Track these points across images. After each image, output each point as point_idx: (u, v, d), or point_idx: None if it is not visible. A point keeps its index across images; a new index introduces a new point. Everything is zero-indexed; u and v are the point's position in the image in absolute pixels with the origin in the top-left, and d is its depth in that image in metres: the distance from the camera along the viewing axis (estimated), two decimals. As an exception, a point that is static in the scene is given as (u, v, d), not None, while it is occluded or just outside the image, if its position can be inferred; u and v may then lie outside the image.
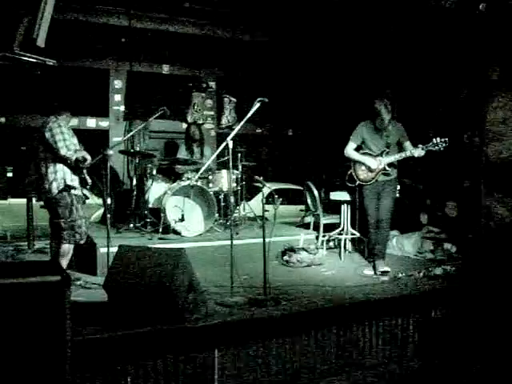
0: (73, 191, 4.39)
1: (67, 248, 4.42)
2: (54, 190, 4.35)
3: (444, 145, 4.76)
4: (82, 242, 4.50)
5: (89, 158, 4.44)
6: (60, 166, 4.36)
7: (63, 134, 4.31)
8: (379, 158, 5.03)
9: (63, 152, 4.27)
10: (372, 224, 5.15)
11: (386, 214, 5.06)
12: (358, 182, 5.21)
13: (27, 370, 2.43)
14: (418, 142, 4.96)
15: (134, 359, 3.10)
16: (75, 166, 4.37)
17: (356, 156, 5.16)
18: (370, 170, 5.07)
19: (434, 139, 4.78)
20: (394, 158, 5.00)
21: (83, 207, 4.56)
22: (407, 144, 5.05)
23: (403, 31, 6.42)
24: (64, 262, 4.37)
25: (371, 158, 5.07)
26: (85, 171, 4.47)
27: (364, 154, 5.14)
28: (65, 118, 4.51)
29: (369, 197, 5.13)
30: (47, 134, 4.33)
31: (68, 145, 4.30)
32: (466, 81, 6.03)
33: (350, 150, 5.18)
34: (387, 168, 5.01)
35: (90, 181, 4.53)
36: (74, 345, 2.67)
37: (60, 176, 4.36)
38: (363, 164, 5.11)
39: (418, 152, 4.84)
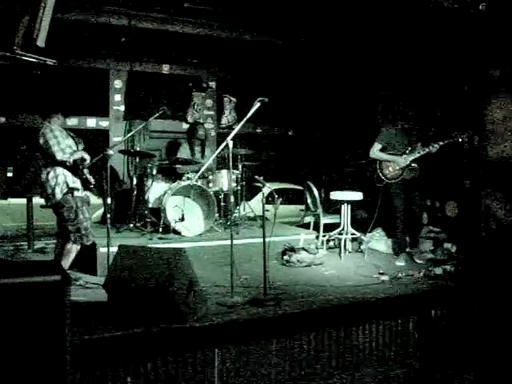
0: (76, 193, 4.39)
1: (73, 247, 4.42)
2: (58, 195, 4.35)
3: (461, 137, 5.19)
4: (88, 243, 4.51)
5: (87, 157, 4.45)
6: (60, 170, 4.37)
7: (56, 138, 4.32)
8: (404, 155, 5.38)
9: (59, 156, 4.28)
10: (402, 221, 5.44)
11: (416, 210, 5.44)
12: (385, 182, 5.49)
13: (27, 370, 2.43)
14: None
15: (134, 359, 3.10)
16: (75, 168, 4.38)
17: (384, 156, 5.51)
18: (397, 167, 5.41)
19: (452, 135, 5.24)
20: (419, 153, 5.33)
21: (88, 208, 4.56)
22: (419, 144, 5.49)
23: (403, 31, 6.41)
24: (68, 261, 4.38)
25: (397, 156, 5.42)
26: (86, 171, 4.47)
27: (389, 153, 5.49)
28: (56, 121, 4.50)
29: (398, 194, 5.43)
30: (41, 140, 4.36)
31: (63, 148, 4.31)
32: (466, 80, 6.03)
33: (376, 152, 5.55)
34: (412, 164, 5.37)
35: (92, 180, 4.53)
36: (74, 345, 2.67)
37: (62, 180, 4.36)
38: (391, 162, 5.45)
39: (435, 148, 5.25)
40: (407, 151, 5.40)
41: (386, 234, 6.21)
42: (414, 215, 5.47)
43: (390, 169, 5.45)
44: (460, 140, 5.21)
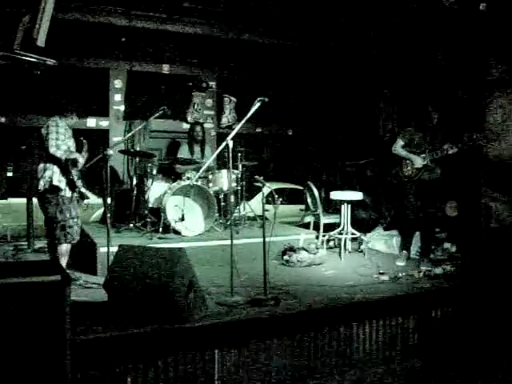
0: (60, 192, 4.39)
1: (64, 248, 4.45)
2: (41, 188, 4.39)
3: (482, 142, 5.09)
4: (73, 242, 4.51)
5: (81, 161, 4.46)
6: (50, 165, 4.38)
7: (57, 134, 4.34)
8: (422, 155, 5.31)
9: (52, 150, 4.29)
10: (412, 221, 5.42)
11: (428, 213, 5.36)
12: (402, 180, 5.46)
13: (27, 370, 2.43)
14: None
15: (134, 359, 3.10)
16: (65, 167, 4.38)
17: (403, 153, 5.44)
18: (414, 166, 5.34)
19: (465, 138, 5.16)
20: (437, 155, 5.23)
21: (75, 207, 4.55)
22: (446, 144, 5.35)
23: (404, 31, 6.41)
24: (62, 262, 4.37)
25: (416, 156, 5.34)
26: (76, 174, 4.44)
27: (410, 151, 5.42)
28: (66, 119, 4.52)
29: (411, 194, 5.40)
30: (43, 131, 4.40)
31: (59, 144, 4.32)
32: (466, 80, 6.03)
33: (398, 148, 5.49)
34: (430, 164, 5.27)
35: (79, 184, 4.49)
36: (74, 345, 2.67)
37: (48, 175, 4.38)
38: (409, 161, 5.38)
39: (453, 150, 5.15)
40: (427, 151, 5.28)
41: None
42: (427, 221, 5.39)
43: (409, 167, 5.39)
44: (482, 144, 5.10)
